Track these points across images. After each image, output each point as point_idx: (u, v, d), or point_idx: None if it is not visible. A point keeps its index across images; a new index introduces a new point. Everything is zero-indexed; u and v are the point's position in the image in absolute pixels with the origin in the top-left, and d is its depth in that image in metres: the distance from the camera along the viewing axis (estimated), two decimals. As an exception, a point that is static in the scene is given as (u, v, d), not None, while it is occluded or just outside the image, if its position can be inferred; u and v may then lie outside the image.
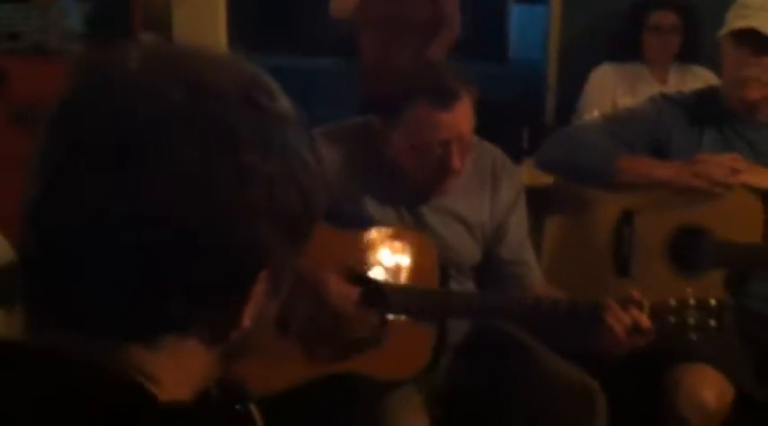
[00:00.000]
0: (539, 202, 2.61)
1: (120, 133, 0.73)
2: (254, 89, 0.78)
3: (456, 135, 2.08)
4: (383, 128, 2.15)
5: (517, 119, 3.74)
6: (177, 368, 0.79)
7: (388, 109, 2.14)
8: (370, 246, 2.17)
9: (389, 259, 2.15)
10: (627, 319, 1.99)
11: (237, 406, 1.51)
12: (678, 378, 2.19)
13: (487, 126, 2.26)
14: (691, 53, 3.60)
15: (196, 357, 0.80)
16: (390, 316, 2.12)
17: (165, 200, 0.72)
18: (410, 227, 2.22)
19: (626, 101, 3.42)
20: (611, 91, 3.61)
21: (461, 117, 2.08)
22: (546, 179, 2.66)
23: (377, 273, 2.13)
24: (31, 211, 0.75)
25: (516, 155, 3.09)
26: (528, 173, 2.87)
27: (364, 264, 2.14)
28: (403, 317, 2.13)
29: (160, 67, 0.76)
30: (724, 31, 2.39)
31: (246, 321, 0.80)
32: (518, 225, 2.30)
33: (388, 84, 2.26)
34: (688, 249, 2.42)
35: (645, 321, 1.99)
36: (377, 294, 2.11)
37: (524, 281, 2.28)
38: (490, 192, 2.28)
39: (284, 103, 0.80)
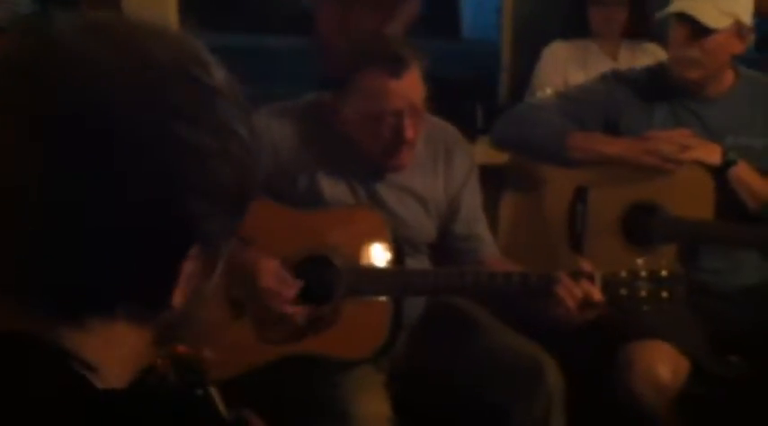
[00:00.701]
0: (494, 180, 2.63)
1: (46, 99, 0.71)
2: (190, 61, 0.76)
3: (407, 103, 2.07)
4: (335, 102, 2.14)
5: (472, 97, 3.74)
6: (109, 350, 0.77)
7: (339, 80, 2.13)
8: (325, 225, 2.16)
9: (343, 238, 2.14)
10: (578, 291, 2.01)
11: (198, 390, 1.50)
12: (632, 355, 2.22)
13: (442, 104, 2.26)
14: (640, 28, 3.61)
15: (128, 337, 0.78)
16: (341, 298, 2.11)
17: (87, 167, 0.70)
18: (365, 204, 2.22)
19: (578, 77, 3.44)
20: (563, 68, 3.62)
21: (412, 85, 2.08)
22: (501, 157, 2.67)
23: (331, 252, 2.13)
24: None
25: (471, 134, 3.10)
26: (483, 151, 2.88)
27: (318, 244, 2.13)
28: (358, 297, 2.13)
29: (95, 35, 0.74)
30: (664, 13, 2.41)
31: (177, 299, 0.78)
32: (471, 200, 2.31)
33: (341, 54, 2.25)
34: (641, 224, 2.45)
35: (596, 293, 2.01)
36: (329, 275, 2.11)
37: (477, 255, 2.29)
38: (444, 168, 2.28)
39: (220, 77, 0.78)
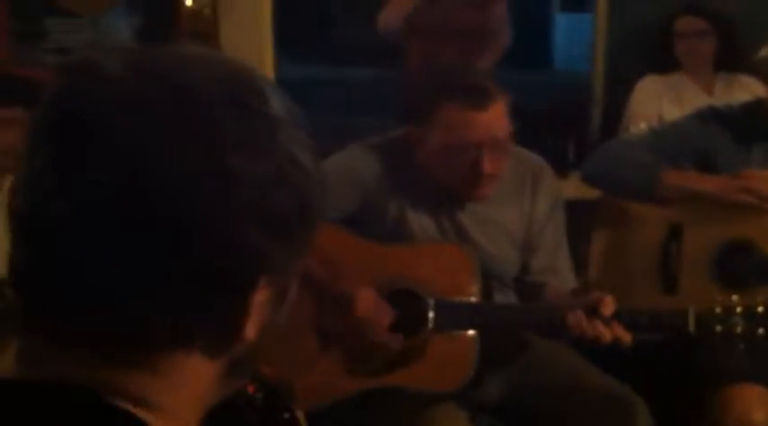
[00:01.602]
0: (586, 215, 2.60)
1: (98, 135, 0.70)
2: (242, 90, 0.74)
3: (489, 137, 2.07)
4: (417, 133, 2.16)
5: (563, 130, 3.72)
6: (178, 390, 0.75)
7: (422, 112, 2.15)
8: (413, 259, 2.17)
9: (431, 271, 2.15)
10: (589, 331, 1.99)
11: (285, 414, 1.52)
12: (727, 399, 2.16)
13: (533, 137, 2.26)
14: (732, 60, 3.55)
15: (198, 375, 0.76)
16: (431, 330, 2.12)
17: (148, 206, 0.69)
18: (451, 238, 2.22)
19: (673, 111, 3.39)
20: (657, 102, 3.58)
21: (495, 119, 2.08)
22: (593, 191, 2.65)
23: (419, 286, 2.13)
24: (20, 215, 0.73)
25: (562, 168, 3.08)
26: (574, 186, 2.85)
27: (406, 277, 2.14)
28: (446, 331, 2.13)
29: (142, 68, 0.73)
30: (764, 52, 2.36)
31: (250, 332, 0.76)
32: (553, 235, 2.30)
33: (424, 87, 2.27)
34: (736, 264, 2.39)
35: (606, 335, 1.98)
36: (417, 309, 2.12)
37: (545, 290, 2.27)
38: (530, 200, 2.27)
39: (276, 105, 0.76)
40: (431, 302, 2.11)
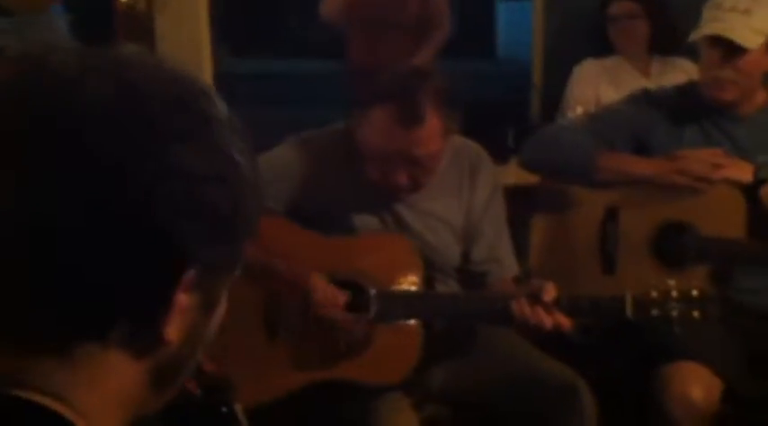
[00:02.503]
0: (525, 201, 2.63)
1: (36, 120, 0.71)
2: (187, 90, 0.77)
3: (407, 156, 2.07)
4: (354, 128, 2.15)
5: (504, 117, 3.75)
6: (95, 386, 0.74)
7: (355, 109, 2.15)
8: (355, 251, 2.17)
9: (374, 263, 2.15)
10: (532, 319, 2.02)
11: (223, 408, 1.51)
12: (666, 377, 2.20)
13: (473, 124, 2.27)
14: (667, 43, 3.59)
15: (118, 373, 0.75)
16: (374, 321, 2.12)
17: (78, 190, 0.70)
18: (394, 231, 2.23)
19: (610, 95, 3.42)
20: (594, 86, 3.61)
21: (421, 138, 2.06)
22: (532, 177, 2.67)
23: (361, 278, 2.14)
24: None
25: (502, 154, 3.11)
26: (514, 172, 2.88)
27: (348, 269, 2.15)
28: (389, 322, 2.14)
29: (91, 64, 0.74)
30: (696, 35, 2.39)
31: (172, 334, 0.75)
32: (493, 223, 2.30)
33: (368, 83, 2.27)
34: (672, 244, 2.43)
35: (547, 321, 2.01)
36: (362, 299, 2.12)
37: (487, 278, 2.29)
38: (468, 190, 2.28)
39: (219, 109, 0.78)
40: (373, 292, 2.12)
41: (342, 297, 2.10)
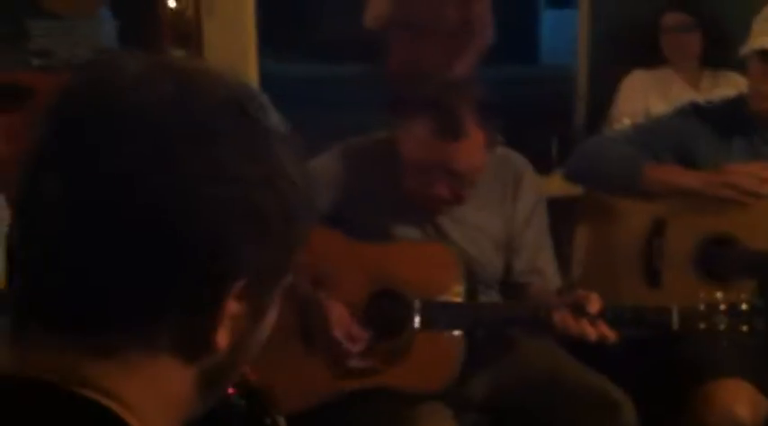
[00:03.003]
0: (569, 213, 2.61)
1: (104, 119, 0.73)
2: (245, 98, 0.78)
3: (448, 169, 2.07)
4: (396, 139, 2.15)
5: (547, 127, 3.73)
6: (148, 388, 0.75)
7: (398, 115, 2.14)
8: (397, 259, 2.17)
9: (415, 272, 2.15)
10: (575, 330, 2.00)
11: (267, 420, 1.52)
12: (710, 394, 2.17)
13: (517, 132, 2.26)
14: (718, 56, 3.56)
15: (169, 377, 0.76)
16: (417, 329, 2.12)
17: (138, 191, 0.71)
18: (436, 239, 2.22)
19: (659, 107, 3.39)
20: (643, 98, 3.59)
21: (461, 154, 2.06)
22: (576, 189, 2.65)
23: (403, 286, 2.14)
24: (19, 203, 0.75)
25: (546, 166, 3.09)
26: (557, 184, 2.86)
27: (390, 277, 2.15)
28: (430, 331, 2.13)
29: (155, 68, 0.76)
30: (747, 49, 2.37)
31: (222, 342, 0.76)
32: (536, 236, 2.30)
33: (408, 92, 2.26)
34: (719, 258, 2.40)
35: (591, 334, 1.99)
36: (401, 308, 2.12)
37: (529, 289, 2.28)
38: (510, 203, 2.28)
39: (274, 119, 0.79)
40: (416, 302, 2.12)
41: (360, 340, 2.08)
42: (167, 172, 0.71)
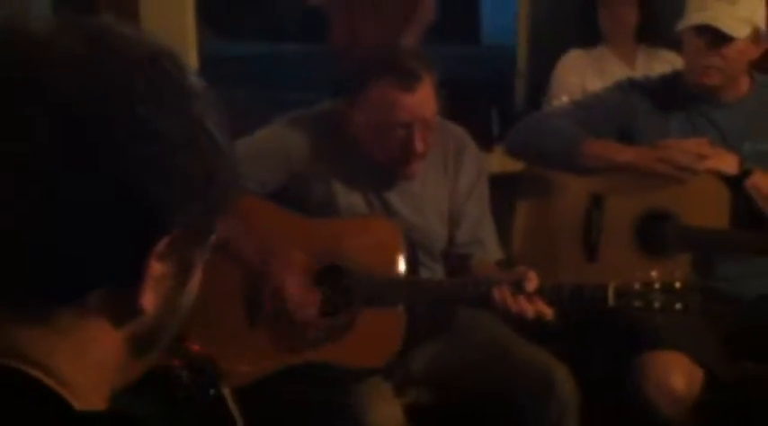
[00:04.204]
0: (510, 188, 2.63)
1: (3, 80, 0.71)
2: (162, 56, 0.76)
3: (418, 117, 2.09)
4: (347, 110, 2.16)
5: (488, 103, 3.75)
6: (79, 354, 0.74)
7: (352, 89, 2.15)
8: (340, 234, 2.17)
9: (359, 247, 2.15)
10: (514, 307, 2.02)
11: (211, 390, 1.51)
12: (647, 365, 2.21)
13: (458, 110, 2.27)
14: (653, 33, 3.61)
15: (99, 342, 0.75)
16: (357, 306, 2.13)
17: (49, 146, 0.69)
18: (379, 214, 2.23)
19: (595, 84, 3.42)
20: (580, 76, 3.62)
21: (424, 99, 2.09)
22: (516, 165, 2.68)
23: (347, 261, 2.14)
24: None
25: (487, 141, 3.11)
26: (498, 159, 2.88)
27: (334, 253, 2.15)
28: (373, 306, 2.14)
29: (65, 26, 0.74)
30: (683, 24, 2.40)
31: (148, 303, 0.75)
32: (477, 206, 2.32)
33: (353, 64, 2.27)
34: (655, 233, 2.44)
35: (529, 310, 2.01)
36: (345, 283, 2.12)
37: (470, 260, 2.30)
38: (453, 173, 2.30)
39: (193, 78, 0.78)
40: (358, 278, 2.12)
41: (315, 297, 2.10)
42: (84, 131, 0.70)
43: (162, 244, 0.74)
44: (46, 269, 0.71)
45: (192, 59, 3.25)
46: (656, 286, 2.04)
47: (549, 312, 2.03)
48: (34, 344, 0.73)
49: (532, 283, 2.02)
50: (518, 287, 2.03)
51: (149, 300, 0.75)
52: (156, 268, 0.75)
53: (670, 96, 2.49)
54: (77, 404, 0.73)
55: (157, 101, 0.73)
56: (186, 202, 0.75)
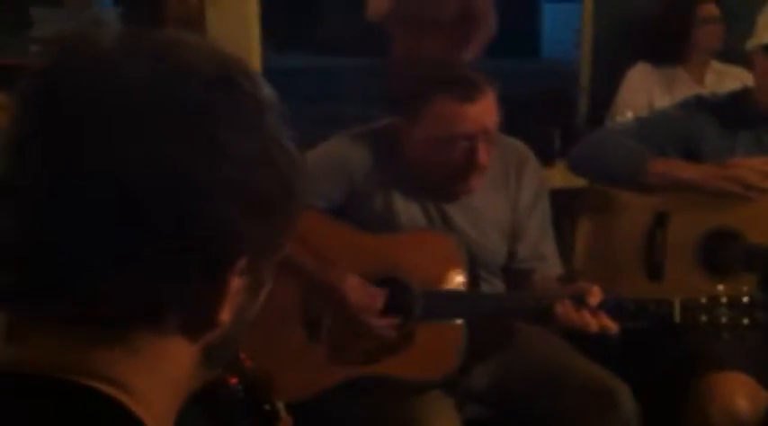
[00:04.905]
0: (572, 204, 2.61)
1: (80, 104, 0.70)
2: (233, 72, 0.75)
3: (480, 128, 2.09)
4: (407, 126, 2.16)
5: (549, 118, 3.73)
6: (154, 371, 0.75)
7: (411, 105, 2.15)
8: (400, 248, 2.18)
9: (418, 261, 2.15)
10: (577, 321, 2.01)
11: (266, 405, 1.51)
12: (711, 387, 2.17)
13: (519, 125, 2.26)
14: (728, 50, 3.56)
15: (175, 358, 0.76)
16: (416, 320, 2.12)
17: (130, 177, 0.69)
18: (438, 228, 2.23)
19: (664, 101, 3.40)
20: (648, 91, 3.59)
21: (486, 110, 2.10)
22: (579, 180, 2.66)
23: (406, 275, 2.14)
24: (3, 188, 0.72)
25: (549, 157, 3.09)
26: (561, 175, 2.86)
27: (393, 267, 2.15)
28: (432, 321, 2.13)
29: (130, 45, 0.73)
30: (753, 43, 2.37)
31: (225, 317, 0.75)
32: (538, 222, 2.31)
33: (412, 80, 2.27)
34: (721, 252, 2.40)
35: (592, 325, 1.99)
36: (404, 297, 2.12)
37: (533, 276, 2.29)
38: (514, 189, 2.29)
39: (266, 91, 0.77)
40: (418, 292, 2.12)
41: (380, 297, 2.10)
42: (164, 154, 0.69)
43: (242, 261, 0.74)
44: (129, 290, 0.71)
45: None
46: (723, 300, 2.01)
47: (613, 326, 2.00)
48: (112, 363, 0.73)
49: (596, 297, 2.01)
50: (581, 300, 2.01)
51: (226, 314, 0.76)
52: (236, 283, 0.75)
53: (738, 114, 2.46)
54: (151, 420, 0.73)
55: (234, 122, 0.72)
56: (265, 219, 0.75)
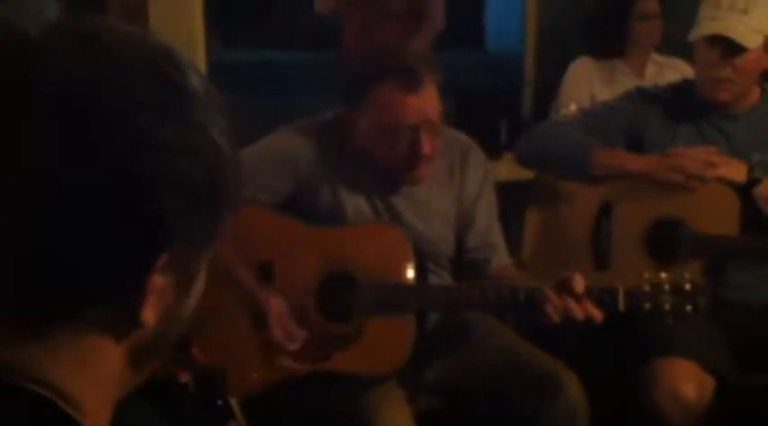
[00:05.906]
0: (519, 196, 2.63)
1: (2, 95, 0.69)
2: (163, 60, 0.73)
3: (423, 118, 2.09)
4: (352, 116, 2.16)
5: (496, 111, 3.75)
6: (83, 372, 0.73)
7: (357, 92, 2.15)
8: (347, 242, 2.17)
9: (366, 254, 2.15)
10: (561, 307, 2.01)
11: (219, 401, 1.50)
12: (657, 372, 2.21)
13: (466, 118, 2.27)
14: (667, 42, 3.62)
15: (102, 357, 0.74)
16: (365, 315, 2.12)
17: (48, 163, 0.67)
18: (386, 220, 2.23)
19: (604, 93, 3.44)
20: (589, 84, 3.63)
21: (428, 100, 2.10)
22: (526, 173, 2.68)
23: (354, 269, 2.14)
24: None
25: (495, 149, 3.11)
26: (508, 167, 2.88)
27: (341, 260, 2.14)
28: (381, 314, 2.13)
29: (58, 33, 0.71)
30: (695, 34, 2.40)
31: (148, 316, 0.73)
32: (486, 210, 2.32)
33: (358, 67, 2.27)
34: (665, 240, 2.44)
35: (577, 310, 2.01)
36: (351, 291, 2.12)
37: (486, 265, 2.30)
38: (459, 180, 2.29)
39: (195, 81, 0.75)
40: (366, 285, 2.12)
41: (296, 340, 2.11)
42: (78, 142, 0.68)
43: (164, 258, 0.72)
44: (44, 283, 0.69)
45: (200, 66, 3.25)
46: (666, 287, 2.04)
47: (598, 314, 2.01)
48: (34, 360, 0.71)
49: (580, 284, 2.01)
50: (564, 288, 2.01)
51: (150, 314, 0.73)
52: (158, 281, 0.73)
53: (680, 105, 2.49)
54: (83, 420, 0.72)
55: (157, 108, 0.71)
56: (188, 212, 0.72)
